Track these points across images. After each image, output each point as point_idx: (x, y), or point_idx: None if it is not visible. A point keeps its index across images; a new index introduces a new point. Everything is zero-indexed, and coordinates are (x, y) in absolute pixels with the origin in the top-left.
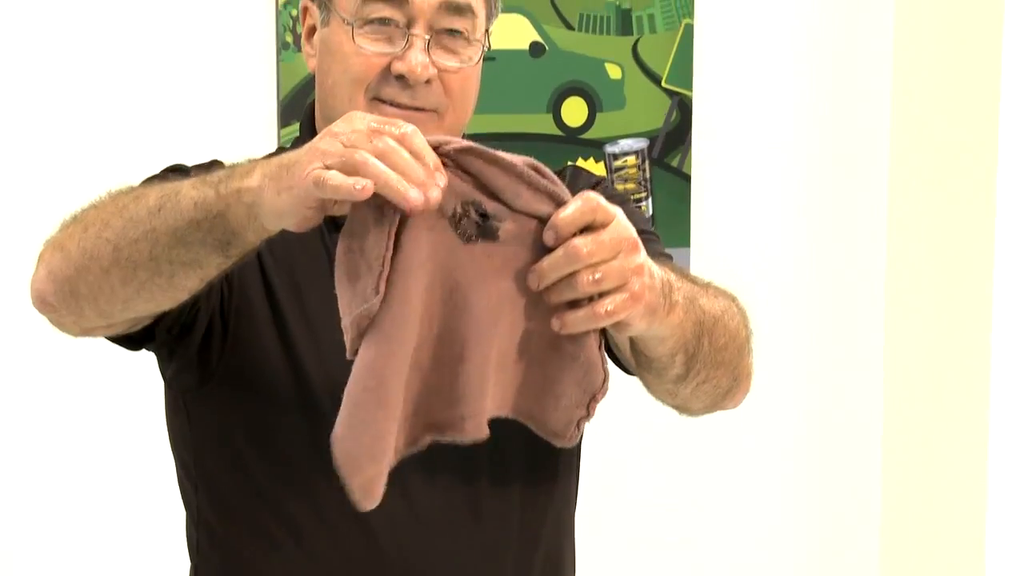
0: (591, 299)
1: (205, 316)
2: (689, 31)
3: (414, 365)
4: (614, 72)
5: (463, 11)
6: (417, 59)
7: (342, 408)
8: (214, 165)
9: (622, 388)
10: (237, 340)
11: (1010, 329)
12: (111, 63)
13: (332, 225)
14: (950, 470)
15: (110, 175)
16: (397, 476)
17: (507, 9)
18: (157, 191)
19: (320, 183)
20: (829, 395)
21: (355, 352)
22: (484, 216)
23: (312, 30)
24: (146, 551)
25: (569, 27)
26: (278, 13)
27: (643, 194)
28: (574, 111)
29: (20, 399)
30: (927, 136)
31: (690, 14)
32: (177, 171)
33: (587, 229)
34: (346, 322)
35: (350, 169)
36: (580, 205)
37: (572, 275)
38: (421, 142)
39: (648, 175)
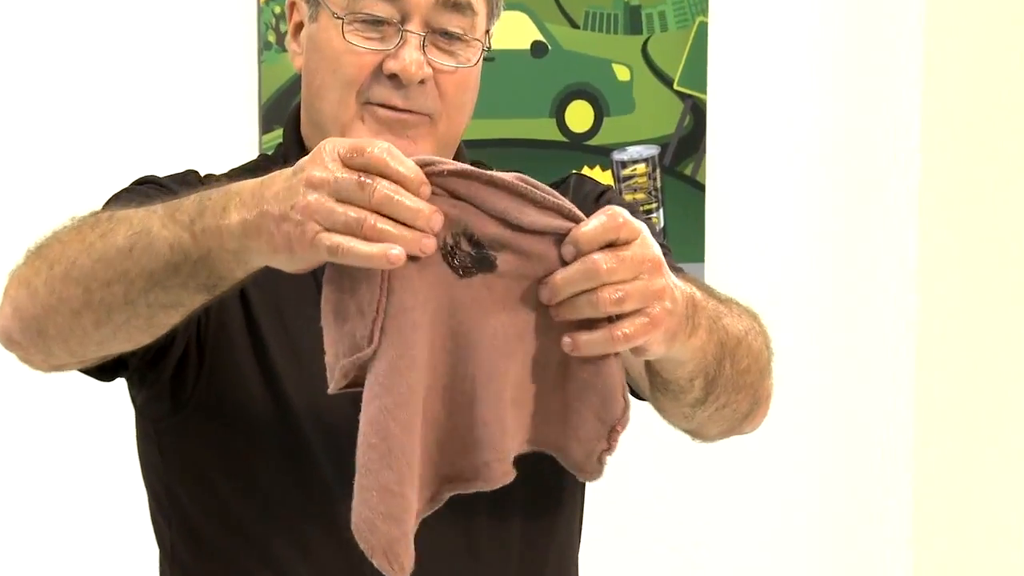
0: (608, 320)
1: (181, 341)
2: (703, 29)
3: (425, 416)
4: (622, 74)
5: (462, 8)
6: (411, 56)
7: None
8: (189, 175)
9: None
10: (214, 367)
11: None
12: (79, 64)
13: None
14: (985, 506)
15: (78, 186)
16: None
17: (507, 6)
18: (125, 227)
19: (341, 252)
20: (855, 425)
21: (339, 389)
22: (478, 246)
23: (299, 27)
24: None
25: (574, 25)
26: (260, 10)
27: (653, 205)
28: (579, 116)
29: None
30: (961, 141)
31: (704, 11)
32: (149, 183)
33: (608, 246)
34: (330, 360)
35: (358, 233)
36: (605, 220)
37: (590, 292)
38: (405, 169)
39: (659, 184)
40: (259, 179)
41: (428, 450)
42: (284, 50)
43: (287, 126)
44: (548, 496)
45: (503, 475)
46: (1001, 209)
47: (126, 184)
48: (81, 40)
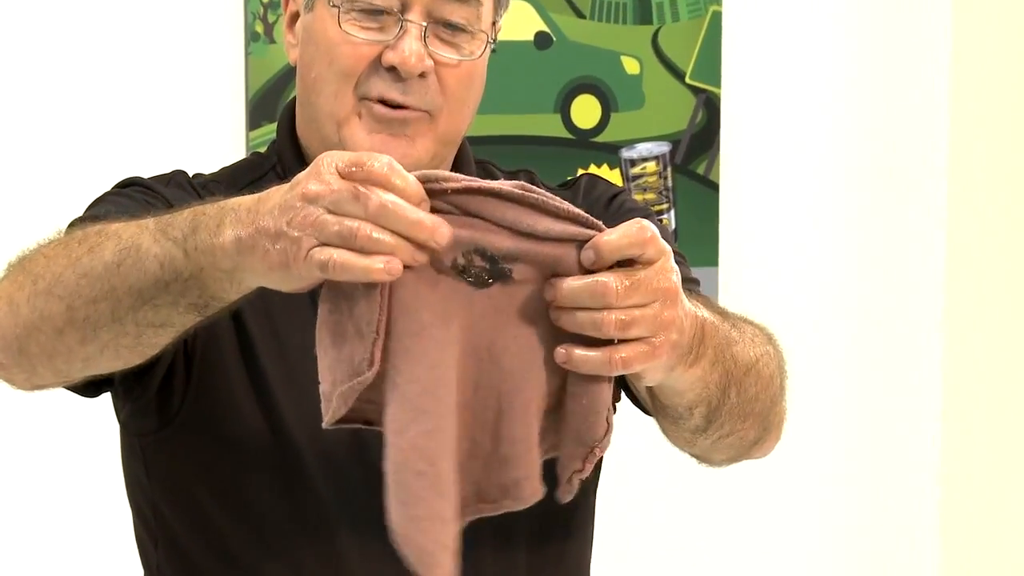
0: (609, 339)
1: (168, 353)
2: (717, 19)
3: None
4: (631, 66)
5: None
6: (411, 48)
7: (392, 498)
8: (177, 176)
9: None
10: (202, 381)
11: None
12: (55, 59)
13: None
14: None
15: (55, 188)
16: (389, 542)
17: None
18: (114, 242)
19: (331, 266)
20: (879, 437)
21: (335, 422)
22: (492, 260)
23: (295, 17)
24: None
25: (580, 15)
26: None
27: (664, 205)
28: (585, 111)
29: None
30: (992, 135)
31: (718, 0)
32: (135, 186)
33: (628, 260)
34: (325, 388)
35: (353, 244)
36: (633, 233)
37: (595, 311)
38: (405, 184)
39: (670, 184)
40: (256, 195)
41: (457, 468)
42: (272, 41)
43: (281, 123)
44: (556, 524)
45: (533, 493)
46: None
47: (108, 185)
48: (57, 33)
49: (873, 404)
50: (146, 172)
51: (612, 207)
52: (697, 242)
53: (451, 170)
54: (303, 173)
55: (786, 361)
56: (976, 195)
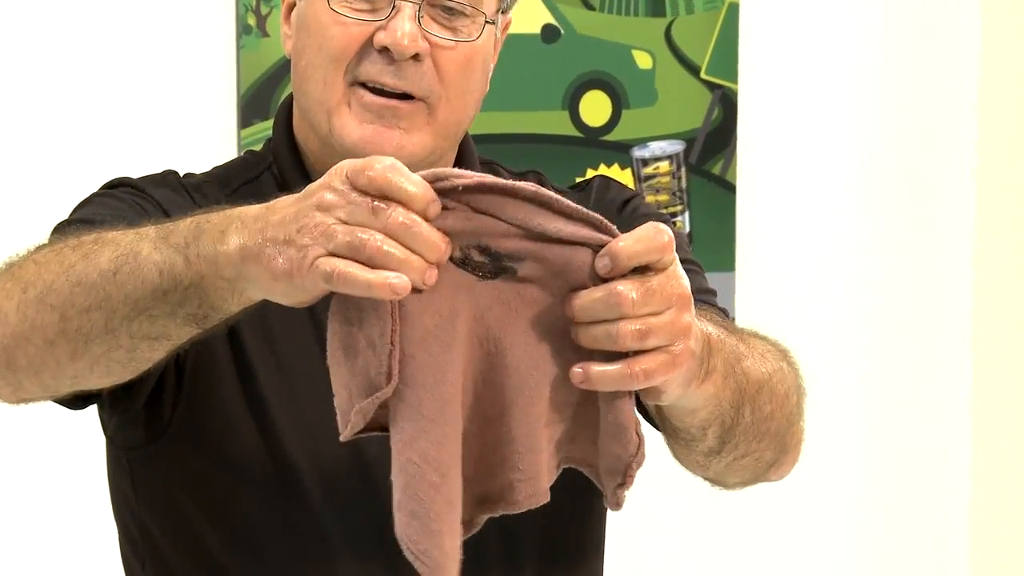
0: (625, 353)
1: (159, 365)
2: (734, 11)
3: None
4: (643, 61)
5: None
6: (404, 27)
7: (402, 510)
8: (168, 176)
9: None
10: (194, 393)
11: None
12: (34, 53)
13: None
14: None
15: (38, 187)
16: (393, 565)
17: None
18: (110, 249)
19: (336, 278)
20: (906, 460)
21: (354, 434)
22: (494, 257)
23: (291, 7)
24: None
25: (589, 7)
26: None
27: (678, 208)
28: (595, 108)
29: None
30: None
31: None
32: (124, 187)
33: (641, 267)
34: (341, 402)
35: (360, 256)
36: (650, 238)
37: (610, 323)
38: (413, 187)
39: (684, 185)
40: (264, 204)
41: (464, 471)
42: (266, 35)
43: (277, 121)
44: (566, 545)
45: (528, 498)
46: None
47: (92, 188)
48: (33, 27)
49: (900, 421)
50: (132, 173)
51: (625, 212)
52: (713, 246)
53: None
54: (317, 183)
55: (803, 379)
56: (1006, 196)
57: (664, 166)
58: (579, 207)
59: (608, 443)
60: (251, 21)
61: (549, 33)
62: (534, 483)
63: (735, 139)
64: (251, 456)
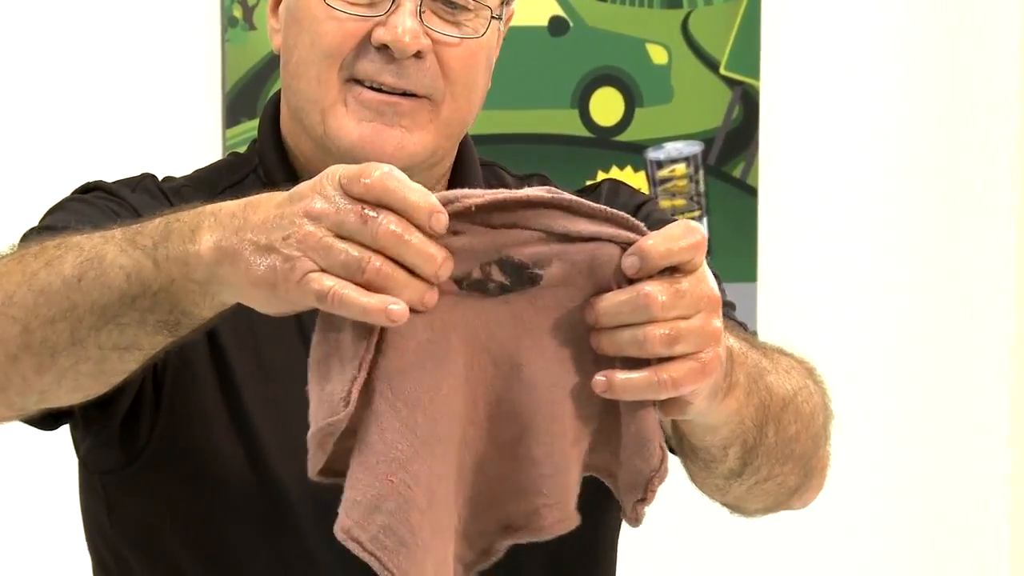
0: (650, 360)
1: (135, 379)
2: (755, 3)
3: (472, 457)
4: (658, 55)
5: None
6: (404, 23)
7: (392, 531)
8: (145, 180)
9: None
10: (174, 412)
11: None
12: (12, 48)
13: None
14: None
15: (14, 186)
16: None
17: None
18: (74, 254)
19: (331, 300)
20: (943, 489)
21: (317, 473)
22: (519, 268)
23: (279, 1)
24: None
25: None
26: None
27: (696, 213)
28: (606, 106)
29: None
30: None
31: None
32: (97, 191)
33: (668, 268)
34: (310, 433)
35: (357, 278)
36: (682, 236)
37: (636, 328)
38: (414, 196)
39: (702, 189)
40: (241, 201)
41: (472, 495)
42: (252, 28)
43: (263, 120)
44: (573, 573)
45: (556, 523)
46: None
47: (66, 191)
48: (9, 20)
49: (936, 450)
50: (109, 176)
51: (637, 218)
52: (733, 254)
53: (452, 174)
54: (306, 185)
55: (831, 399)
56: None
57: (680, 169)
58: (602, 207)
59: (629, 456)
60: (237, 13)
61: (557, 25)
62: (561, 507)
63: (757, 139)
64: (235, 478)
